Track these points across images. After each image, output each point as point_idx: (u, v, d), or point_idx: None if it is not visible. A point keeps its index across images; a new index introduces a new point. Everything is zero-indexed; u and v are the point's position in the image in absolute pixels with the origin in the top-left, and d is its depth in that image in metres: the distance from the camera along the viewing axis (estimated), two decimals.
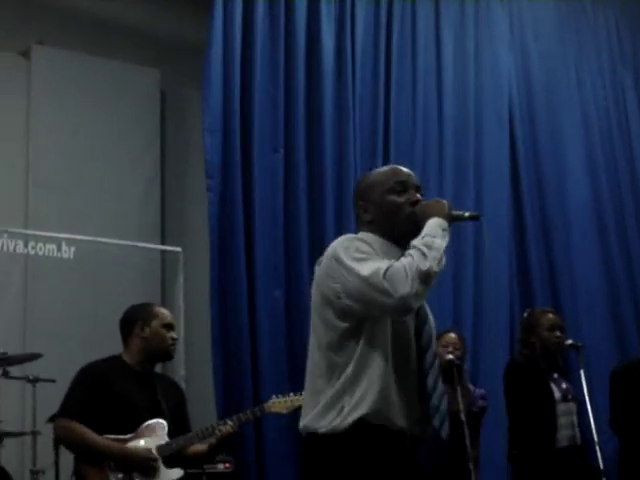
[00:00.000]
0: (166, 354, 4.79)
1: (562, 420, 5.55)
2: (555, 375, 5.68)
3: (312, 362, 3.08)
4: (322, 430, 2.96)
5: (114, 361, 4.71)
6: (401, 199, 3.14)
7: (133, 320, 4.74)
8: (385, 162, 7.02)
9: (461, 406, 5.44)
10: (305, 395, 3.11)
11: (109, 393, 4.53)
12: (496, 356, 6.74)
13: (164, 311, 4.85)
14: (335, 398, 2.96)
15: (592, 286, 7.96)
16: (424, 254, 2.88)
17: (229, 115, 6.69)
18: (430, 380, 3.06)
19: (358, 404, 2.92)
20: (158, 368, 5.02)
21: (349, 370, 2.96)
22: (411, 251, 2.92)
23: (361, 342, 2.97)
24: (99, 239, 6.61)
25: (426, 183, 7.35)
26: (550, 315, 5.82)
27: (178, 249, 7.02)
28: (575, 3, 8.77)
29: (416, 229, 3.03)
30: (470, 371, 6.44)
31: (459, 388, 5.53)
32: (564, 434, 5.54)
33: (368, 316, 2.96)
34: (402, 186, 3.16)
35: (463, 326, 7.20)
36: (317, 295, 3.07)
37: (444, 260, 2.94)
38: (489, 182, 7.74)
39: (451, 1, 7.94)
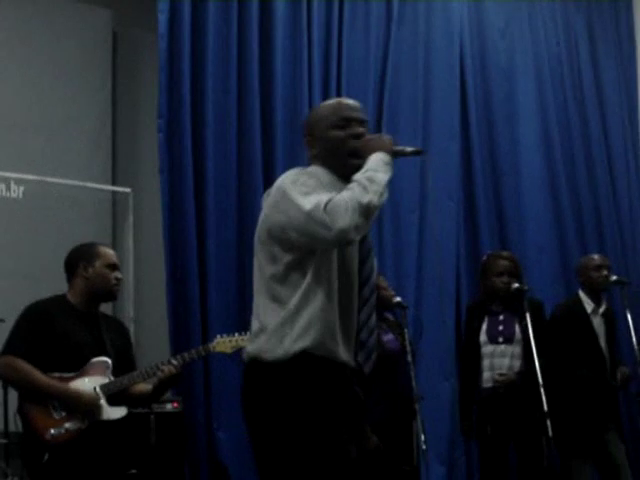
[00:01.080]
0: (109, 294, 4.77)
1: (485, 362, 5.67)
2: (501, 317, 5.77)
3: (257, 294, 3.11)
4: (264, 358, 3.00)
5: (58, 300, 4.69)
6: (342, 133, 3.15)
7: (76, 260, 4.72)
8: None
9: (408, 347, 5.51)
10: (252, 325, 3.13)
11: (53, 332, 4.52)
12: (442, 303, 6.80)
13: (108, 251, 4.80)
14: (278, 328, 2.99)
15: (541, 231, 8.03)
16: (365, 187, 2.90)
17: (180, 54, 6.63)
18: (363, 315, 3.11)
19: (301, 335, 2.97)
20: (108, 309, 5.04)
21: (293, 302, 2.99)
22: (352, 185, 2.94)
23: (306, 275, 3.01)
24: (47, 179, 6.57)
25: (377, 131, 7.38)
26: (501, 261, 5.93)
27: (127, 190, 7.00)
28: None
29: (359, 163, 3.05)
30: (414, 319, 6.50)
31: (405, 330, 5.61)
32: (487, 376, 5.67)
33: (312, 249, 2.99)
34: (345, 121, 3.16)
35: (406, 273, 7.26)
36: (263, 227, 3.10)
37: (386, 194, 2.97)
38: (438, 130, 7.72)
39: None
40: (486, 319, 5.78)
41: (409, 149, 3.16)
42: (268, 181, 6.62)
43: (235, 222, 6.69)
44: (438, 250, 7.47)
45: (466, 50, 7.99)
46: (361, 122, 3.19)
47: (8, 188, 6.49)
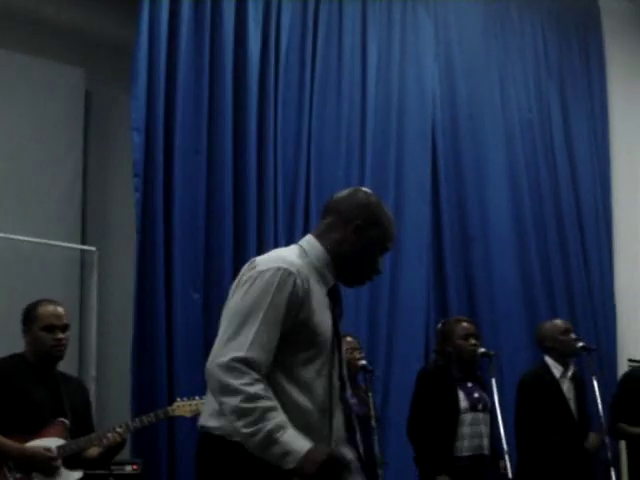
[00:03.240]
0: (49, 357, 4.69)
1: (466, 430, 5.59)
2: (469, 384, 5.72)
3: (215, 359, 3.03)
4: (216, 432, 2.94)
5: (17, 359, 4.68)
6: (378, 258, 3.14)
7: (23, 320, 4.73)
8: (307, 170, 7.07)
9: (372, 412, 5.46)
10: (209, 398, 3.06)
11: (10, 391, 4.51)
12: (410, 365, 6.76)
13: (46, 310, 4.71)
14: (234, 410, 2.89)
15: (510, 296, 8.05)
16: (260, 421, 2.81)
17: (154, 115, 6.65)
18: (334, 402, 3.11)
19: None
20: (73, 367, 4.97)
21: None
22: (268, 415, 2.81)
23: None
24: (12, 236, 6.52)
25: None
26: (464, 324, 5.89)
27: (93, 249, 6.97)
28: (502, 11, 8.79)
29: (351, 285, 3.15)
30: (383, 379, 6.46)
31: (370, 394, 5.56)
32: (467, 444, 5.58)
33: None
34: (386, 251, 3.17)
35: (378, 334, 7.23)
36: (230, 298, 3.06)
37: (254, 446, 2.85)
38: (410, 195, 7.75)
39: (377, 8, 7.91)
40: (457, 387, 5.70)
41: None
42: (237, 244, 6.62)
43: (202, 284, 6.65)
44: (409, 313, 7.47)
45: (437, 115, 8.04)
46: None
47: None
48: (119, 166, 7.31)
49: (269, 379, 2.90)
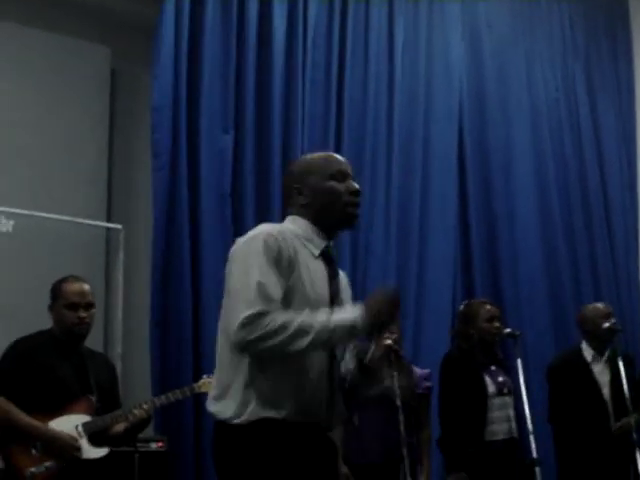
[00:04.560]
0: (72, 334, 4.70)
1: (496, 414, 5.56)
2: (492, 368, 5.69)
3: (219, 347, 3.08)
4: (233, 421, 2.97)
5: (44, 335, 4.69)
6: (341, 186, 3.16)
7: (50, 297, 4.75)
8: (336, 149, 7.02)
9: (397, 391, 5.43)
10: (214, 379, 3.10)
11: (36, 368, 4.51)
12: (437, 348, 6.73)
13: (70, 288, 4.73)
14: (238, 392, 2.96)
15: (534, 278, 7.98)
16: (305, 334, 2.87)
17: (177, 94, 6.64)
18: (336, 371, 3.13)
19: (265, 402, 2.94)
20: (98, 344, 4.98)
21: (253, 366, 2.97)
22: (299, 322, 2.88)
23: None
24: (37, 213, 6.54)
25: (375, 173, 7.38)
26: (488, 306, 5.84)
27: (119, 226, 6.98)
28: None
29: (354, 213, 3.13)
30: (411, 360, 6.43)
31: (396, 374, 5.53)
32: (498, 428, 5.56)
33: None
34: (342, 175, 3.18)
35: (405, 317, 7.21)
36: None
37: (318, 349, 2.97)
38: (436, 174, 7.72)
39: None
40: (483, 371, 5.67)
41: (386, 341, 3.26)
42: (261, 216, 6.60)
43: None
44: (436, 293, 7.46)
45: (464, 94, 8.01)
46: (353, 179, 3.22)
47: None
48: (144, 144, 7.28)
49: None
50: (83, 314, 4.68)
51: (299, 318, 2.87)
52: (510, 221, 8.03)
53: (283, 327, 2.85)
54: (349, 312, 2.95)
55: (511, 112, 8.29)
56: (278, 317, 2.86)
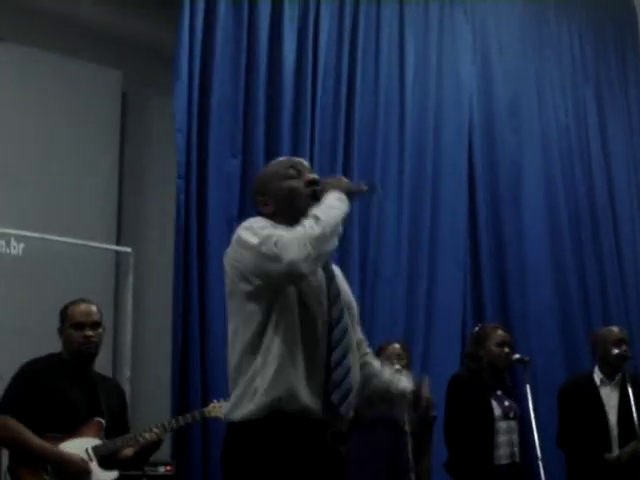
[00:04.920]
0: (80, 355, 4.71)
1: (502, 438, 5.55)
2: (499, 392, 5.68)
3: (229, 352, 3.08)
4: (237, 418, 2.97)
5: (54, 358, 4.70)
6: (297, 182, 3.20)
7: (59, 320, 4.78)
8: (345, 173, 7.03)
9: (405, 416, 5.44)
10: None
11: (47, 390, 4.51)
12: (446, 370, 6.72)
13: (76, 309, 4.77)
14: (246, 386, 2.97)
15: (544, 302, 7.99)
16: (317, 220, 2.95)
17: (191, 116, 6.67)
18: (335, 355, 3.08)
19: (266, 392, 2.93)
20: (107, 368, 4.99)
21: (258, 358, 2.97)
22: (304, 220, 2.98)
23: (268, 329, 2.99)
24: (47, 236, 6.55)
25: (385, 197, 7.38)
26: (500, 331, 5.83)
27: (128, 249, 6.98)
28: (539, 15, 8.81)
29: (306, 209, 3.09)
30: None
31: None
32: (503, 452, 5.55)
33: (270, 292, 2.99)
34: (296, 171, 3.23)
35: (414, 338, 7.21)
36: (228, 283, 3.10)
37: (340, 229, 3.01)
38: (446, 197, 7.74)
39: (415, 11, 7.93)
40: (490, 394, 5.66)
41: (364, 187, 3.25)
42: None
43: None
44: (445, 316, 7.47)
45: (474, 118, 8.04)
46: (310, 170, 3.26)
47: (8, 244, 6.47)
48: (155, 167, 7.36)
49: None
50: (89, 333, 4.70)
51: (307, 220, 2.97)
52: (519, 245, 8.04)
53: (305, 224, 2.95)
54: (325, 200, 3.08)
55: (521, 136, 8.33)
56: (300, 229, 2.95)
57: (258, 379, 2.95)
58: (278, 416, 2.94)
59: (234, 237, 3.06)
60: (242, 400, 2.97)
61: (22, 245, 6.50)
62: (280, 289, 3.00)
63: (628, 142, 9.06)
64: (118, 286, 7.07)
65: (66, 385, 4.58)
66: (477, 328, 6.02)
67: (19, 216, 6.67)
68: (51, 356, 4.71)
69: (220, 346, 6.42)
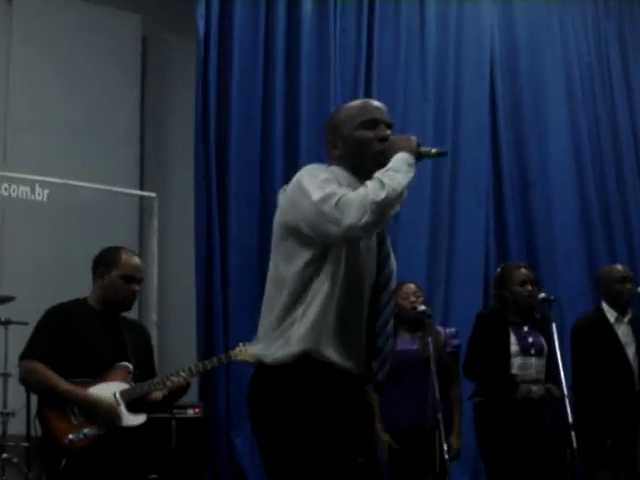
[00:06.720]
0: (120, 305, 4.69)
1: (517, 373, 5.56)
2: (525, 328, 5.67)
3: (266, 296, 3.06)
4: (268, 361, 2.96)
5: (79, 304, 4.66)
6: (370, 134, 3.10)
7: (99, 263, 4.69)
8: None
9: (432, 356, 5.45)
10: (259, 328, 3.07)
11: (73, 336, 4.49)
12: (468, 312, 6.74)
13: (130, 261, 4.69)
14: (281, 330, 2.94)
15: (569, 241, 7.98)
16: (382, 185, 2.85)
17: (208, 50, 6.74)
18: (380, 321, 3.05)
19: (302, 339, 2.91)
20: (133, 312, 5.00)
21: (299, 306, 2.94)
22: (369, 182, 2.89)
23: (313, 279, 2.95)
24: (71, 182, 6.56)
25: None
26: (522, 270, 5.81)
27: (153, 194, 6.99)
28: None
29: (384, 166, 2.99)
30: (442, 324, 6.45)
31: (431, 339, 5.54)
32: (519, 388, 5.56)
33: (326, 249, 2.95)
34: (372, 122, 3.12)
35: (436, 278, 7.23)
36: (278, 223, 3.05)
37: (405, 194, 2.91)
38: (468, 136, 7.74)
39: None
40: (511, 330, 5.67)
41: (434, 150, 3.12)
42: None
43: (257, 230, 6.70)
44: (467, 256, 7.46)
45: (496, 56, 8.00)
46: (388, 125, 3.15)
47: (33, 191, 6.49)
48: (176, 111, 7.34)
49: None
50: (137, 288, 4.68)
51: (371, 183, 2.90)
52: (544, 183, 8.02)
53: (370, 187, 2.88)
54: (394, 162, 2.98)
55: (544, 74, 8.27)
56: (363, 191, 2.88)
57: (295, 327, 2.92)
58: (308, 363, 2.92)
59: (296, 179, 2.99)
60: (275, 344, 2.94)
61: (47, 191, 6.53)
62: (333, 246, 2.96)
63: None
64: (142, 231, 7.09)
65: (94, 332, 4.55)
66: (499, 269, 6.01)
67: (43, 163, 6.68)
68: (77, 302, 4.67)
69: (242, 290, 6.49)
